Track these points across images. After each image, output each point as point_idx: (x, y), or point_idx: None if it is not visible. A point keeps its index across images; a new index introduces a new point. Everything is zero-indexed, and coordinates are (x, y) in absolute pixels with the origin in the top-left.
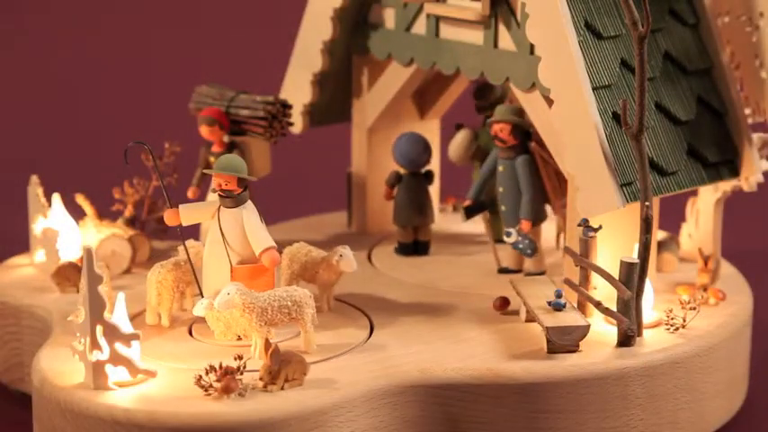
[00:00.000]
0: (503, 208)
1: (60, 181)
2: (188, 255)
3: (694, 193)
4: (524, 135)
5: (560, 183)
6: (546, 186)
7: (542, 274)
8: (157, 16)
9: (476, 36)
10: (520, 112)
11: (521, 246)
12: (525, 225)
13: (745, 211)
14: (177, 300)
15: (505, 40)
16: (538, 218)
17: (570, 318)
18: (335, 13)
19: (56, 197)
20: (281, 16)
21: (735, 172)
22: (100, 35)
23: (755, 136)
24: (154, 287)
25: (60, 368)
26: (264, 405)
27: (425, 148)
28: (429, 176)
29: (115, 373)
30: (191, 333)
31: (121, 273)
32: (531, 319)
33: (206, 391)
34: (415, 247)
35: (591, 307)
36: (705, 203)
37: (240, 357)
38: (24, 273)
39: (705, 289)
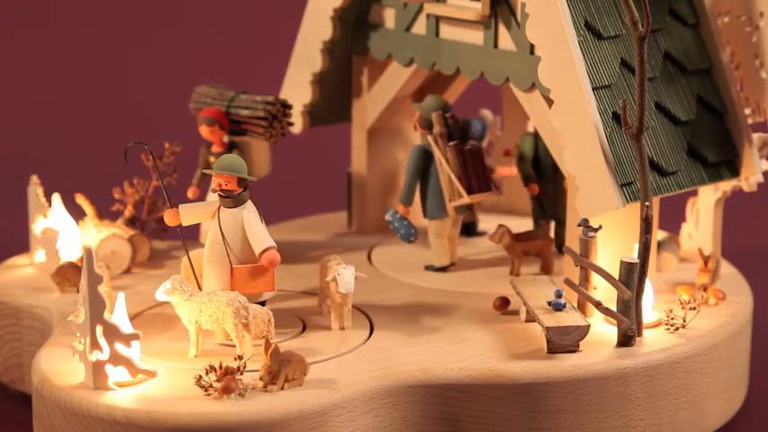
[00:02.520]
0: None
1: (60, 181)
2: (188, 254)
3: (694, 193)
4: (429, 127)
5: (452, 183)
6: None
7: (442, 269)
8: (158, 16)
9: (476, 36)
10: (443, 106)
11: (392, 227)
12: (399, 208)
13: (745, 211)
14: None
15: (505, 40)
16: (427, 210)
17: (570, 318)
18: (335, 13)
19: (56, 197)
20: (281, 16)
21: (735, 172)
22: (100, 34)
23: (755, 136)
24: (182, 272)
25: (60, 368)
26: (264, 405)
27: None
28: None
29: (115, 373)
30: None
31: (121, 273)
32: (531, 319)
33: (206, 391)
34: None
35: (591, 307)
36: (705, 203)
37: (240, 357)
38: (24, 273)
39: (705, 289)
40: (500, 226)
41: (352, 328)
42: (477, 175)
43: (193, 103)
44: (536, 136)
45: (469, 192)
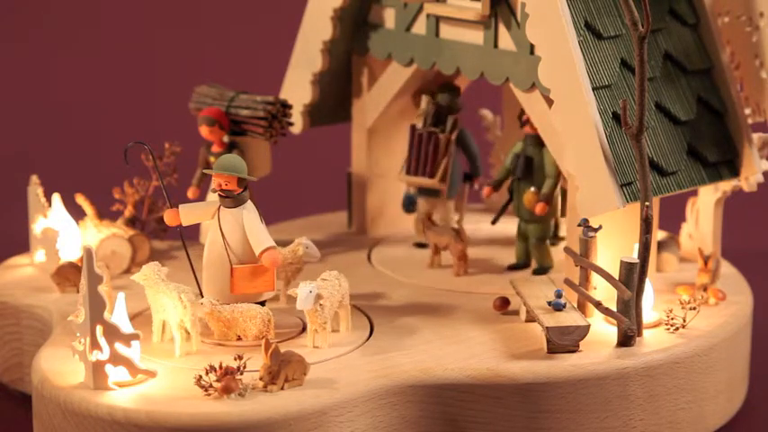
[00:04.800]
0: None
1: (60, 181)
2: (188, 255)
3: (694, 193)
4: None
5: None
6: None
7: (418, 245)
8: (158, 16)
9: (476, 36)
10: (443, 95)
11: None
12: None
13: (745, 211)
14: (284, 285)
15: (505, 40)
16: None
17: (570, 318)
18: (335, 13)
19: (56, 197)
20: (281, 16)
21: (735, 172)
22: (100, 34)
23: (755, 136)
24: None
25: (60, 368)
26: (264, 405)
27: None
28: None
29: (115, 373)
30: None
31: (121, 273)
32: (531, 319)
33: (206, 391)
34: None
35: (591, 307)
36: (705, 203)
37: (240, 357)
38: (24, 273)
39: (705, 289)
40: (425, 214)
41: (352, 328)
42: (418, 158)
43: (193, 103)
44: (524, 143)
45: (406, 171)
